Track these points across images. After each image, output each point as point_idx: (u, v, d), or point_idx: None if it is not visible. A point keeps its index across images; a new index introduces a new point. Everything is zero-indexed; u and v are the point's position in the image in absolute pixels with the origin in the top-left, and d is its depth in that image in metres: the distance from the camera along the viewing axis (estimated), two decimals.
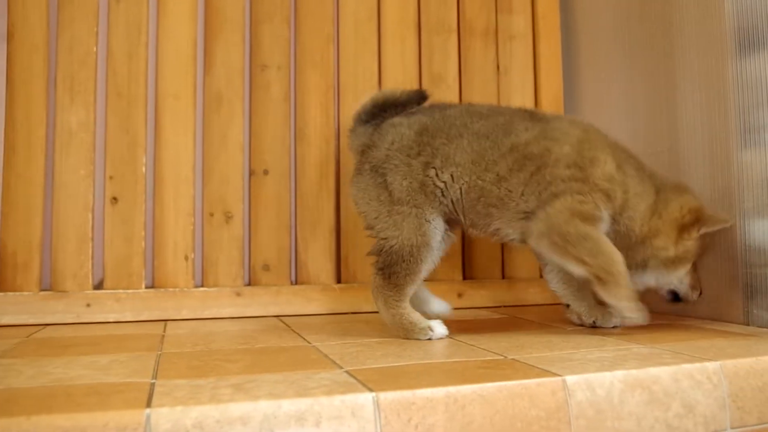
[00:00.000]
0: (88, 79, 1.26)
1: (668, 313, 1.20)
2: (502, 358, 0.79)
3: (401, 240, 0.94)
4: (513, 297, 1.43)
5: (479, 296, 1.42)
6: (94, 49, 1.27)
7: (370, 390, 0.62)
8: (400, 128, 1.01)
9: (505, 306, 1.42)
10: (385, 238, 0.95)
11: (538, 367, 0.72)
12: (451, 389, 0.64)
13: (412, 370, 0.72)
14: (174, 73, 1.31)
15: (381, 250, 0.96)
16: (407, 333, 0.93)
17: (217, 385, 0.64)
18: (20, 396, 0.60)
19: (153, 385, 0.65)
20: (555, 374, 0.68)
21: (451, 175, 0.96)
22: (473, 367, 0.74)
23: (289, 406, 0.58)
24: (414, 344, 0.90)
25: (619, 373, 0.69)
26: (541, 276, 1.46)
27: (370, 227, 0.98)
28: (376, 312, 1.33)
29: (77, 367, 0.75)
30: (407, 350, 0.86)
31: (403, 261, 0.93)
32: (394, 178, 0.97)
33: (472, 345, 0.89)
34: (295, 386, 0.64)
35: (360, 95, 1.41)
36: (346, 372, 0.71)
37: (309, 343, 0.94)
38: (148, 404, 0.56)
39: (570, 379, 0.67)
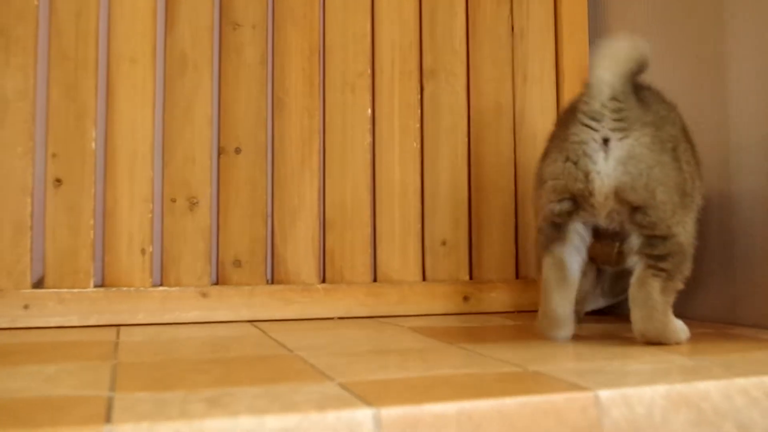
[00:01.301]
0: (27, 37, 1.24)
1: (712, 320, 1.21)
2: (521, 370, 0.79)
3: (687, 237, 0.95)
4: (530, 301, 1.44)
5: (489, 300, 1.43)
6: (36, 2, 1.25)
7: (370, 405, 0.62)
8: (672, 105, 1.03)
9: (520, 311, 1.42)
10: (676, 234, 0.94)
11: (565, 381, 0.72)
12: (465, 404, 0.64)
13: (417, 384, 0.72)
14: (130, 32, 1.30)
15: (672, 249, 0.94)
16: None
17: (187, 398, 0.64)
18: None
19: (111, 398, 0.64)
20: (586, 388, 0.68)
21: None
22: (489, 380, 0.74)
23: (274, 422, 0.58)
24: (416, 354, 0.91)
25: (661, 388, 0.69)
26: None
27: (664, 221, 0.94)
28: (368, 317, 1.35)
29: (19, 379, 0.74)
30: (408, 361, 0.86)
31: (688, 261, 0.96)
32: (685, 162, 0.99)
33: (485, 355, 0.89)
34: (280, 400, 0.64)
35: (349, 58, 1.41)
36: (339, 384, 0.71)
37: (291, 351, 0.94)
38: (108, 420, 0.56)
39: (604, 394, 0.68)
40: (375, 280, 1.41)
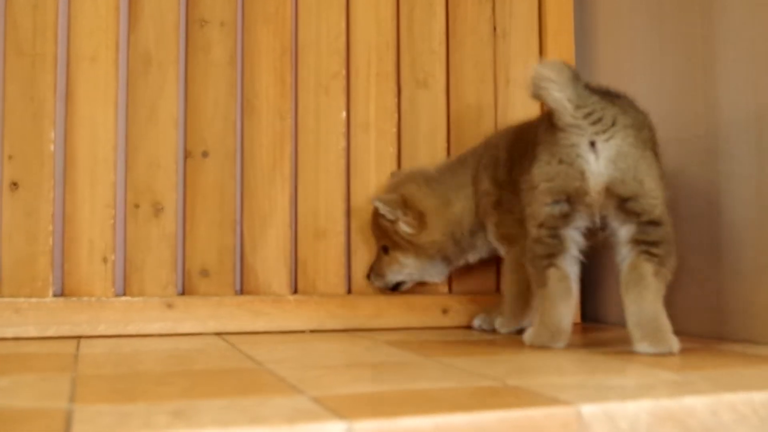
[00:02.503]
0: None
1: (699, 335, 1.23)
2: (500, 384, 0.80)
3: (671, 229, 1.07)
4: None
5: (469, 313, 1.44)
6: None
7: (342, 418, 0.63)
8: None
9: None
10: (665, 223, 1.05)
11: (545, 395, 0.73)
12: (440, 419, 0.65)
13: (391, 397, 0.73)
14: (91, 28, 1.30)
15: (663, 236, 1.05)
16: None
17: (150, 411, 0.65)
18: None
19: (70, 411, 0.65)
20: (567, 403, 0.69)
21: None
22: (466, 394, 0.75)
23: None
24: (391, 368, 0.91)
25: (647, 403, 0.71)
26: None
27: (655, 207, 1.05)
28: (342, 330, 1.35)
29: None
30: (383, 374, 0.87)
31: (675, 252, 1.06)
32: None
33: (462, 369, 0.90)
34: (247, 413, 0.64)
35: (323, 58, 1.42)
36: (310, 398, 0.72)
37: (259, 364, 0.94)
38: None
39: (586, 409, 0.69)
40: (350, 292, 1.41)
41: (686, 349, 1.07)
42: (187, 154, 1.34)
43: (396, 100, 1.46)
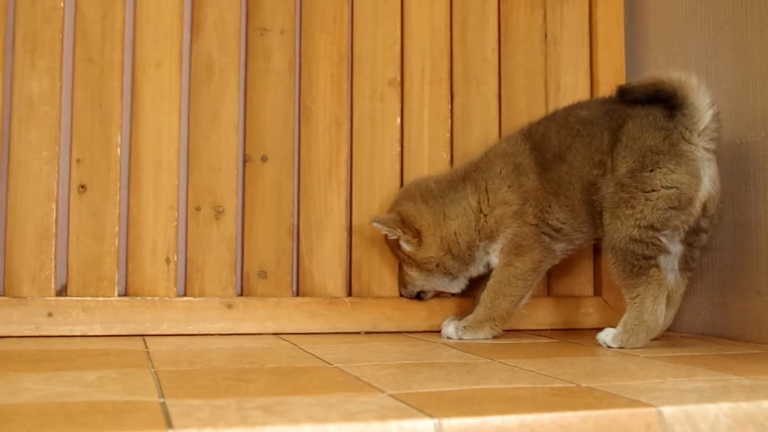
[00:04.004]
0: (53, 40, 1.26)
1: (758, 341, 1.21)
2: (574, 385, 0.80)
3: None
4: (561, 319, 1.44)
5: (517, 317, 1.42)
6: (61, 3, 1.27)
7: (430, 416, 0.63)
8: None
9: (552, 329, 1.43)
10: None
11: (624, 397, 0.73)
12: (527, 418, 0.65)
13: (471, 396, 0.73)
14: (156, 37, 1.32)
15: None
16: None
17: (242, 406, 0.65)
18: (8, 413, 0.61)
19: (164, 404, 0.65)
20: (649, 405, 0.69)
21: None
22: (544, 394, 0.75)
23: (336, 431, 0.59)
24: (460, 368, 0.91)
25: (726, 406, 0.70)
26: (594, 293, 1.48)
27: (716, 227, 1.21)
28: (395, 332, 1.35)
29: (61, 384, 0.75)
30: (453, 374, 0.87)
31: None
32: None
33: (530, 371, 0.90)
34: (336, 410, 0.65)
35: (379, 66, 1.42)
36: (391, 396, 0.72)
37: (329, 363, 0.94)
38: (170, 425, 0.57)
39: (667, 410, 0.68)
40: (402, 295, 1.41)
41: (751, 355, 1.06)
42: (246, 159, 1.35)
43: (449, 106, 1.46)
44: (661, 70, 1.18)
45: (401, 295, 1.39)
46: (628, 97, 1.18)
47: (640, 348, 1.12)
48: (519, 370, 0.90)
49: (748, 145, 1.24)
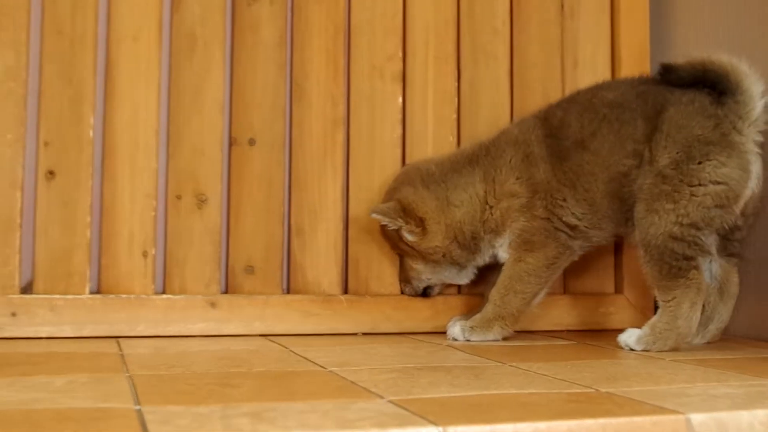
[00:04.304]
0: (18, 10, 1.25)
1: (763, 339, 1.22)
2: (593, 390, 0.80)
3: None
4: (579, 319, 1.44)
5: (530, 317, 1.42)
6: None
7: (434, 424, 0.63)
8: None
9: (569, 330, 1.42)
10: None
11: (648, 403, 0.73)
12: (541, 425, 0.64)
13: (479, 402, 0.73)
14: (132, 6, 1.31)
15: None
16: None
17: (227, 413, 0.65)
18: None
19: (140, 411, 0.65)
20: (675, 411, 0.69)
21: None
22: (559, 400, 0.75)
23: None
24: (467, 372, 0.91)
25: (761, 413, 0.70)
26: (616, 291, 1.48)
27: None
28: (396, 333, 1.35)
29: (26, 390, 0.75)
30: (460, 378, 0.87)
31: None
32: None
33: (544, 375, 0.90)
34: (331, 417, 0.64)
35: (378, 39, 1.41)
36: (391, 402, 0.72)
37: (323, 367, 0.94)
38: None
39: (695, 417, 0.68)
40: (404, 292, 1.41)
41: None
42: (232, 142, 1.35)
43: (456, 84, 1.45)
44: (705, 51, 1.16)
45: (404, 293, 1.39)
46: (672, 77, 1.17)
47: (666, 351, 1.12)
48: (532, 375, 0.90)
49: None
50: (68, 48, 1.28)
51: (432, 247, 1.30)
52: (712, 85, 1.13)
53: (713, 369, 0.95)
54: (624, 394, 0.78)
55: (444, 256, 1.31)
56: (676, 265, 1.12)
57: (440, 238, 1.29)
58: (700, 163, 1.12)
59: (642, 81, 1.23)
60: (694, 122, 1.13)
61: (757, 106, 1.12)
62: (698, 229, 1.12)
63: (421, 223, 1.29)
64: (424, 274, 1.35)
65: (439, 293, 1.39)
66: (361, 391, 0.78)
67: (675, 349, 1.12)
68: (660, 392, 0.79)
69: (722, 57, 1.13)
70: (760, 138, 1.13)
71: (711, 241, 1.14)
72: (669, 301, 1.12)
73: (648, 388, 0.81)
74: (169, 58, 1.33)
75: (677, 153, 1.13)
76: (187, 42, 1.33)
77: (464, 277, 1.36)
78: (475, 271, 1.35)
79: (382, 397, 0.74)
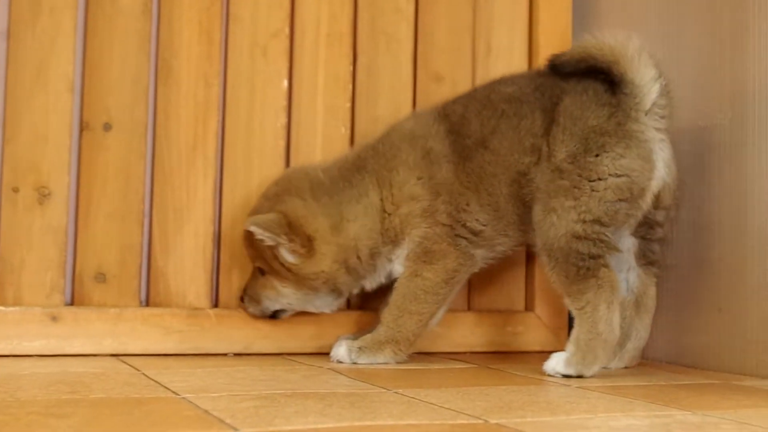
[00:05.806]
0: None
1: (716, 369, 1.25)
2: (481, 422, 0.80)
3: None
4: (485, 339, 1.46)
5: (431, 336, 1.43)
6: None
7: None
8: None
9: (473, 352, 1.44)
10: None
11: None
12: None
13: None
14: None
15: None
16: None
17: None
18: None
19: None
20: None
21: None
22: None
23: None
24: (344, 399, 0.91)
25: None
26: (526, 308, 1.50)
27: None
28: (274, 354, 1.34)
29: None
30: (333, 407, 0.86)
31: None
32: None
33: (430, 403, 0.90)
34: None
35: (262, 12, 1.41)
36: None
37: (176, 394, 0.93)
38: None
39: None
40: None
41: (702, 386, 1.09)
42: (83, 126, 1.33)
43: (351, 68, 1.46)
44: (594, 34, 1.19)
45: (247, 311, 1.35)
46: (562, 68, 1.21)
47: (600, 369, 1.15)
48: (417, 403, 0.90)
49: (712, 129, 1.28)
50: None
51: (315, 272, 1.28)
52: (604, 72, 1.17)
53: (620, 397, 0.97)
54: (515, 426, 0.78)
55: (325, 282, 1.29)
56: (583, 266, 1.14)
57: (328, 262, 1.27)
58: (597, 155, 1.15)
59: (541, 74, 1.27)
60: (589, 112, 1.17)
61: (651, 92, 1.16)
62: (603, 225, 1.15)
63: (308, 242, 1.27)
64: (286, 299, 1.32)
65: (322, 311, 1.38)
66: (213, 421, 0.77)
67: (605, 365, 1.16)
68: (555, 424, 0.80)
69: (606, 41, 1.17)
70: (662, 125, 1.17)
71: (618, 237, 1.18)
72: (583, 307, 1.15)
73: (543, 419, 0.82)
74: (8, 24, 1.30)
75: (574, 146, 1.16)
76: (28, 6, 1.30)
77: (335, 307, 1.35)
78: (343, 300, 1.36)
79: (235, 430, 0.74)
